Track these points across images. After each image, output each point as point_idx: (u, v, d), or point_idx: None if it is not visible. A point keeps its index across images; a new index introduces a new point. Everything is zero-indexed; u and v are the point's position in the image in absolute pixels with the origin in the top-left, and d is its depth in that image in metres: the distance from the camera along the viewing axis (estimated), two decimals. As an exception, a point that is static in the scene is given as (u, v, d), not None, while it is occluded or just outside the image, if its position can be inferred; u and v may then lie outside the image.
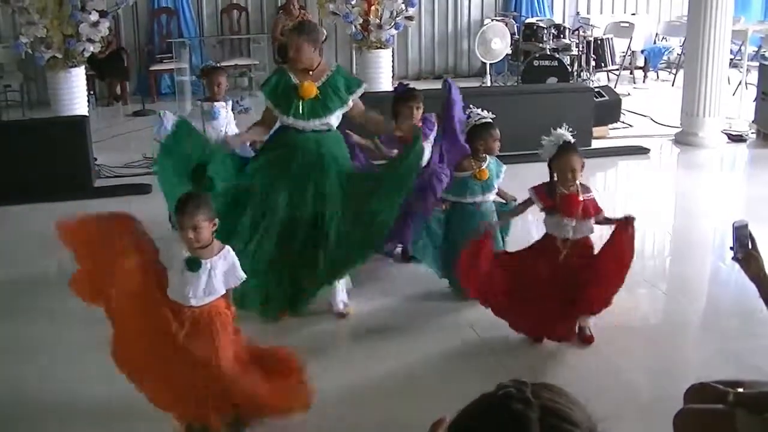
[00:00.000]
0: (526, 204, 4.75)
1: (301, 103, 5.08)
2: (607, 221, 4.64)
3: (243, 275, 3.79)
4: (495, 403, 1.39)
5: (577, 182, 4.51)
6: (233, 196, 5.01)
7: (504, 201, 5.45)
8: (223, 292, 3.73)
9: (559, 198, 4.49)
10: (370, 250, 5.14)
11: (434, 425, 1.58)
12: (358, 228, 5.02)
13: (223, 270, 3.69)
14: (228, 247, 3.78)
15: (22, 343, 4.95)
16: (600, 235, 4.67)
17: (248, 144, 5.82)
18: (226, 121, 6.25)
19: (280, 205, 5.06)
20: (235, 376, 3.71)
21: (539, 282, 4.60)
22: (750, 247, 3.03)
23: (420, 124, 5.70)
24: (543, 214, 4.66)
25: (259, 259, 4.95)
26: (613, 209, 7.26)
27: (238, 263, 3.77)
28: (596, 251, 4.64)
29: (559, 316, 4.63)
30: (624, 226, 4.50)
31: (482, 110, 5.27)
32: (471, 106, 5.38)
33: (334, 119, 5.19)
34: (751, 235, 3.04)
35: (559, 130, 4.53)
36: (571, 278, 4.57)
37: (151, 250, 3.76)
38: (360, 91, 5.29)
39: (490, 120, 5.22)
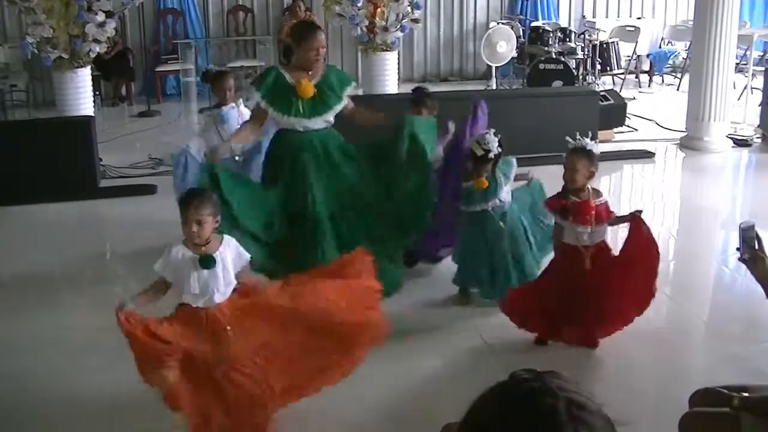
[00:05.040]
0: (558, 225, 4.71)
1: (300, 103, 5.08)
2: (619, 220, 4.67)
3: (248, 255, 3.84)
4: (522, 397, 1.32)
5: (589, 187, 4.53)
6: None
7: (526, 181, 5.49)
8: (235, 282, 3.75)
9: (572, 205, 4.49)
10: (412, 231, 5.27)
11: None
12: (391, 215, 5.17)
13: (231, 258, 3.73)
14: (225, 236, 3.80)
15: (26, 340, 4.96)
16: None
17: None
18: (239, 122, 6.16)
19: (306, 206, 5.11)
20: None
21: (571, 293, 4.60)
22: (756, 247, 3.03)
23: None
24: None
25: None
26: (618, 213, 7.29)
27: (239, 245, 3.82)
28: (616, 253, 4.68)
29: (586, 322, 4.66)
30: (638, 225, 4.55)
31: (493, 140, 5.10)
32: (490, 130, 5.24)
33: (333, 116, 5.19)
34: (757, 235, 3.05)
35: (582, 137, 4.55)
36: (601, 283, 4.57)
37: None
38: (351, 88, 5.30)
39: (481, 153, 5.11)
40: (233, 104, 6.24)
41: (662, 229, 7.12)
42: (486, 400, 1.36)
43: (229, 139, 5.54)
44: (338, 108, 5.21)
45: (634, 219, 4.58)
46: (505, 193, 5.24)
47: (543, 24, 13.02)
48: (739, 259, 3.09)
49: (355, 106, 5.43)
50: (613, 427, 1.34)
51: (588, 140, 4.54)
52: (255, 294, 3.82)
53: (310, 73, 5.15)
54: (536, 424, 1.28)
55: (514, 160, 5.33)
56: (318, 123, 5.13)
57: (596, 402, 1.35)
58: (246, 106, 6.37)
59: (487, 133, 5.15)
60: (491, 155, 5.08)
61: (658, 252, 4.51)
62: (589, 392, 1.37)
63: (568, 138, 4.59)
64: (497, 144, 5.08)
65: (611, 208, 4.65)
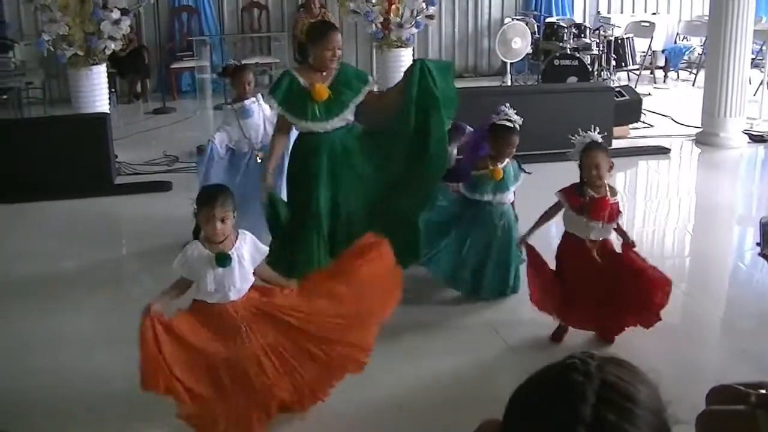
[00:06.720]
0: (556, 207, 4.70)
1: (316, 106, 5.05)
2: (618, 231, 4.67)
3: (266, 249, 3.85)
4: (556, 373, 1.34)
5: (606, 183, 4.52)
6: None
7: None
8: (253, 278, 3.76)
9: (589, 200, 4.48)
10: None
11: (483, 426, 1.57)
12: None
13: (249, 253, 3.74)
14: (242, 230, 3.81)
15: (42, 338, 4.98)
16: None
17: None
18: (261, 117, 6.14)
19: (327, 209, 5.12)
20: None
21: (582, 283, 4.62)
22: None
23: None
24: (563, 216, 4.68)
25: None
26: (633, 209, 7.29)
27: (257, 239, 3.83)
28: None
29: (602, 314, 4.68)
30: (627, 253, 4.61)
31: (512, 112, 5.18)
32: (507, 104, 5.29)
33: (351, 113, 5.15)
34: None
35: (588, 132, 4.54)
36: (609, 278, 4.58)
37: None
38: (369, 85, 5.22)
39: (512, 125, 5.15)
40: (254, 98, 6.25)
41: (678, 226, 7.10)
42: (533, 375, 1.39)
43: (249, 137, 5.85)
44: (355, 102, 5.12)
45: (626, 246, 4.62)
46: (511, 193, 5.24)
47: (558, 20, 12.99)
48: (759, 254, 3.10)
49: (378, 94, 5.34)
50: (662, 426, 1.32)
51: (594, 133, 4.55)
52: (272, 295, 3.83)
53: (324, 74, 5.10)
54: (559, 396, 1.30)
55: (523, 176, 5.33)
56: (336, 123, 5.08)
57: (656, 398, 1.36)
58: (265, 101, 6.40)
59: (502, 107, 5.21)
60: (516, 125, 5.12)
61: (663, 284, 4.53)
62: (646, 384, 1.38)
63: (573, 137, 4.59)
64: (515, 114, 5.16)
65: (622, 209, 4.66)
